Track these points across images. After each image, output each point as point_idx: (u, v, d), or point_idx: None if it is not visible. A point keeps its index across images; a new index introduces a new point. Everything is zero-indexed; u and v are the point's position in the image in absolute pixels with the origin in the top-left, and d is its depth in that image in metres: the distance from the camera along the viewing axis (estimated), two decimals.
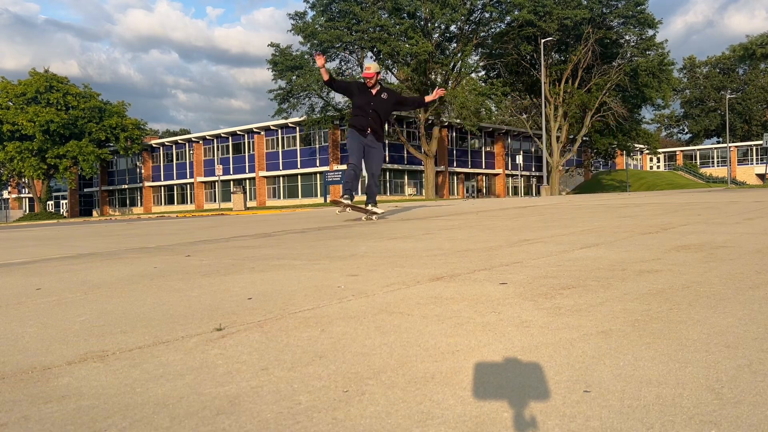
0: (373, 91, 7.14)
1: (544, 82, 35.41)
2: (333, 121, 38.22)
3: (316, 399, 1.22)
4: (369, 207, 7.54)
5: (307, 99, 36.74)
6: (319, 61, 7.03)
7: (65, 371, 1.49)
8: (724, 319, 1.70)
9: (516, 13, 34.81)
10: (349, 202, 7.18)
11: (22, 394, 1.33)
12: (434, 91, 7.36)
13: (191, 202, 52.39)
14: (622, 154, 55.09)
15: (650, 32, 37.82)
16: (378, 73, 7.20)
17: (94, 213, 58.77)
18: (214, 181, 48.57)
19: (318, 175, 43.13)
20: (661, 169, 70.39)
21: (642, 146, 53.73)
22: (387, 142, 41.45)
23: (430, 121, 38.40)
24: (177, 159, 53.46)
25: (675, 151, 71.34)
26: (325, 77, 7.03)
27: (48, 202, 52.02)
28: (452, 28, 37.23)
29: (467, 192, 49.30)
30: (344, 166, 40.85)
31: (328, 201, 36.78)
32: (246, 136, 47.90)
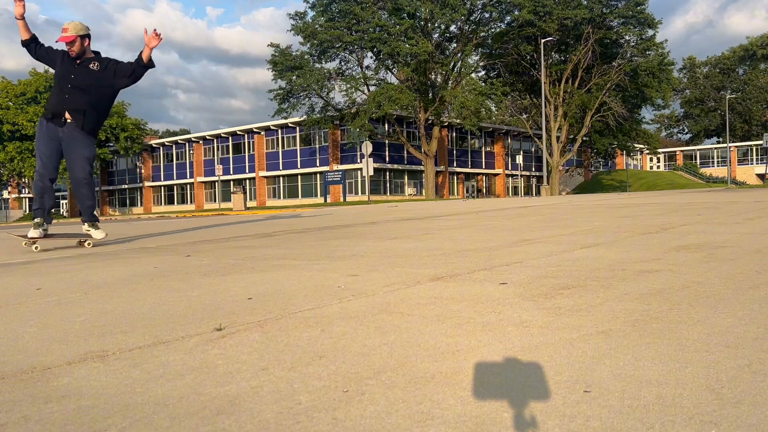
0: (78, 62, 5.08)
1: (544, 82, 35.39)
2: (333, 121, 38.21)
3: (316, 399, 1.22)
4: (85, 228, 5.36)
5: (307, 99, 36.73)
6: (18, 9, 4.87)
7: (65, 371, 1.49)
8: (724, 319, 1.70)
9: (516, 13, 34.81)
10: (36, 233, 5.12)
11: (22, 394, 1.33)
12: (146, 42, 5.17)
13: (191, 202, 52.38)
14: (622, 154, 55.12)
15: (650, 32, 37.81)
16: (83, 37, 5.05)
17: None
18: (214, 181, 48.55)
19: (318, 175, 43.13)
20: (661, 169, 70.36)
21: (642, 146, 53.72)
22: (387, 141, 41.47)
23: (430, 121, 38.40)
24: (177, 159, 53.45)
25: (675, 151, 71.32)
26: (24, 35, 5.03)
27: None
28: (452, 28, 37.23)
29: (467, 192, 49.28)
30: (345, 166, 40.84)
31: (328, 200, 36.80)
32: (246, 136, 47.89)
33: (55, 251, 5.11)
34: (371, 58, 36.94)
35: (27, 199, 60.63)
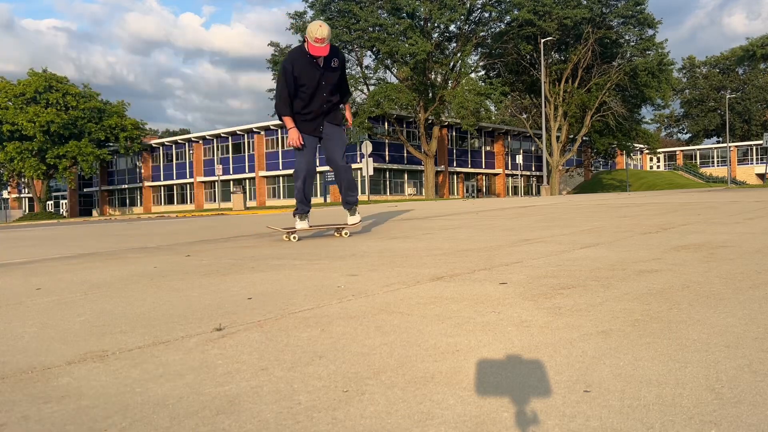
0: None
1: (544, 82, 35.37)
2: None
3: (316, 399, 1.22)
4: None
5: None
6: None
7: (65, 371, 1.49)
8: (724, 319, 1.70)
9: (515, 12, 34.79)
10: (305, 225, 5.17)
11: (22, 394, 1.33)
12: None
13: (191, 202, 52.36)
14: (622, 154, 55.07)
15: (650, 32, 37.82)
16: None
17: (94, 213, 58.73)
18: (214, 181, 48.53)
19: (318, 175, 43.14)
20: (661, 168, 70.36)
21: (642, 146, 53.73)
22: (387, 141, 41.51)
23: (429, 121, 38.38)
24: (177, 159, 53.44)
25: (675, 151, 71.33)
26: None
27: (48, 202, 52.01)
28: (451, 27, 37.22)
29: (467, 192, 49.28)
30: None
31: (328, 200, 36.79)
32: (246, 135, 47.88)
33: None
34: (370, 57, 36.97)
35: (26, 199, 60.60)
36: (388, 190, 42.67)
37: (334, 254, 3.76)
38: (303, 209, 5.14)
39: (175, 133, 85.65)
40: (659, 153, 65.05)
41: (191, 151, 52.01)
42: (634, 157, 65.62)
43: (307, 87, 4.81)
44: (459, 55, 36.54)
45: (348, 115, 5.35)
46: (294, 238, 5.02)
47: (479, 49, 38.41)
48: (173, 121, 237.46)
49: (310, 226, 5.29)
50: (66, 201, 60.28)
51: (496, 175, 51.95)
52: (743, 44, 66.30)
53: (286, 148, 45.51)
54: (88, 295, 2.63)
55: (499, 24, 37.51)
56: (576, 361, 1.39)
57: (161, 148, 54.82)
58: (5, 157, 44.80)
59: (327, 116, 5.04)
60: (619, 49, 39.11)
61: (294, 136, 4.85)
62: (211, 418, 1.15)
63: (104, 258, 4.34)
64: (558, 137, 40.35)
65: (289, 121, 4.89)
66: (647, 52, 38.15)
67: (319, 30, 4.59)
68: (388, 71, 37.57)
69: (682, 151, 70.89)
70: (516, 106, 46.44)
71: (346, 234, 5.23)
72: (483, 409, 1.14)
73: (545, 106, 36.17)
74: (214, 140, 49.96)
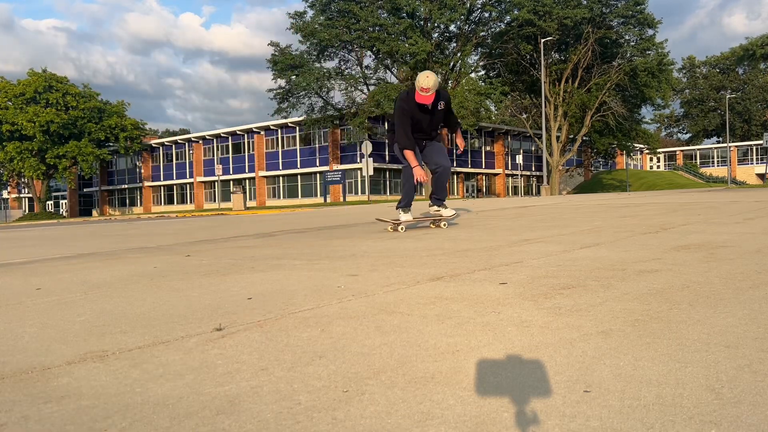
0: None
1: (544, 82, 35.37)
2: (333, 120, 38.17)
3: (316, 399, 1.22)
4: (434, 209, 5.94)
5: (306, 98, 36.71)
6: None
7: (65, 371, 1.49)
8: (724, 319, 1.70)
9: (515, 12, 34.76)
10: (410, 217, 5.66)
11: (22, 394, 1.33)
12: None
13: (191, 202, 52.35)
14: (622, 154, 55.06)
15: (650, 32, 37.81)
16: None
17: (94, 213, 58.71)
18: (214, 181, 48.52)
19: (318, 174, 43.10)
20: (661, 168, 70.35)
21: (642, 146, 53.72)
22: (387, 141, 41.48)
23: None
24: (177, 159, 53.43)
25: (675, 151, 71.33)
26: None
27: (48, 202, 52.01)
28: (452, 27, 37.20)
29: (467, 191, 49.26)
30: (345, 166, 40.79)
31: (327, 200, 36.80)
32: (246, 135, 47.87)
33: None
34: (370, 57, 36.93)
35: (26, 199, 60.60)
36: (388, 190, 42.66)
37: (334, 254, 3.76)
38: (408, 203, 5.66)
39: (175, 133, 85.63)
40: (659, 153, 65.04)
41: (191, 151, 52.00)
42: (634, 157, 65.61)
43: (416, 122, 5.40)
44: (459, 55, 36.52)
45: (459, 140, 5.87)
46: (401, 228, 5.45)
47: (479, 49, 38.38)
48: (173, 121, 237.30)
49: (414, 218, 5.74)
50: (66, 201, 60.27)
51: (496, 175, 51.94)
52: (743, 44, 66.26)
53: (285, 148, 45.51)
54: (88, 295, 2.63)
55: (499, 24, 37.47)
56: (576, 361, 1.39)
57: (161, 148, 54.81)
58: (5, 157, 44.78)
59: (430, 140, 5.67)
60: (619, 49, 39.09)
61: (420, 173, 5.33)
62: (211, 418, 1.15)
63: (104, 258, 4.34)
64: (558, 137, 40.33)
65: (412, 159, 5.35)
66: (647, 52, 38.13)
67: (425, 81, 5.05)
68: (388, 71, 37.53)
69: (682, 151, 70.88)
70: (516, 106, 46.39)
71: (444, 225, 5.64)
72: (483, 409, 1.14)
73: (545, 106, 36.17)
74: (214, 140, 49.95)
